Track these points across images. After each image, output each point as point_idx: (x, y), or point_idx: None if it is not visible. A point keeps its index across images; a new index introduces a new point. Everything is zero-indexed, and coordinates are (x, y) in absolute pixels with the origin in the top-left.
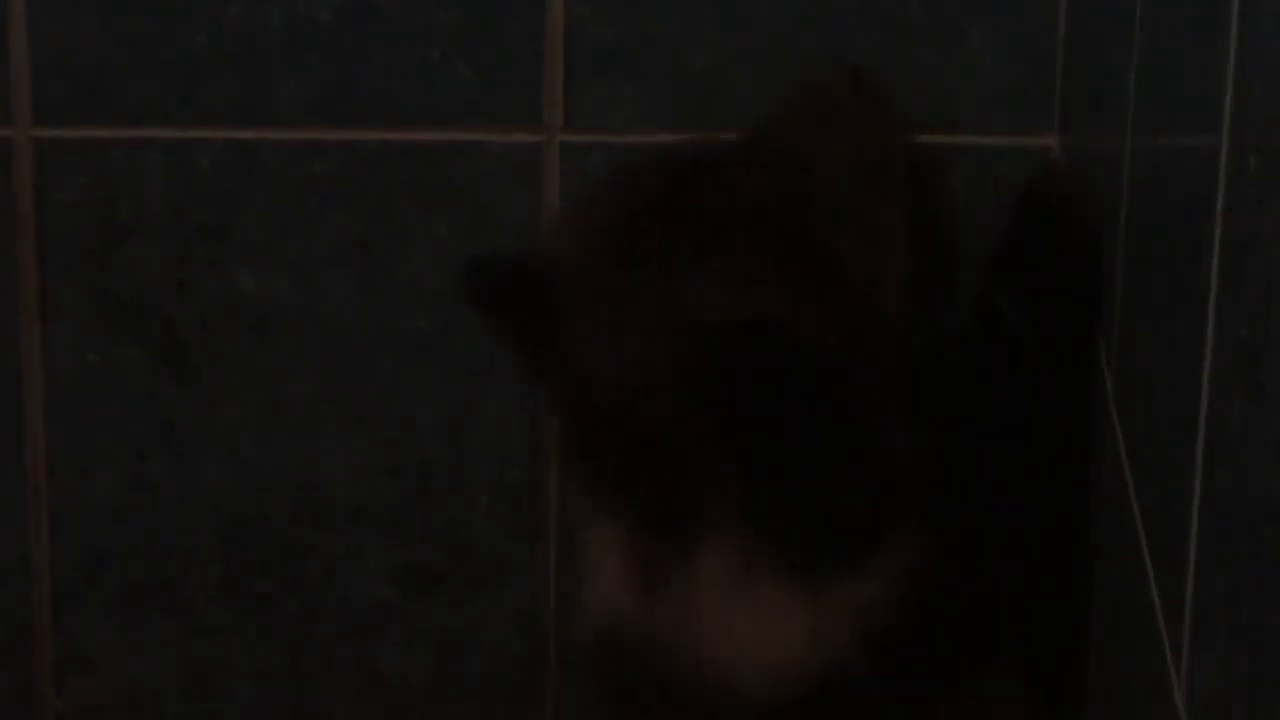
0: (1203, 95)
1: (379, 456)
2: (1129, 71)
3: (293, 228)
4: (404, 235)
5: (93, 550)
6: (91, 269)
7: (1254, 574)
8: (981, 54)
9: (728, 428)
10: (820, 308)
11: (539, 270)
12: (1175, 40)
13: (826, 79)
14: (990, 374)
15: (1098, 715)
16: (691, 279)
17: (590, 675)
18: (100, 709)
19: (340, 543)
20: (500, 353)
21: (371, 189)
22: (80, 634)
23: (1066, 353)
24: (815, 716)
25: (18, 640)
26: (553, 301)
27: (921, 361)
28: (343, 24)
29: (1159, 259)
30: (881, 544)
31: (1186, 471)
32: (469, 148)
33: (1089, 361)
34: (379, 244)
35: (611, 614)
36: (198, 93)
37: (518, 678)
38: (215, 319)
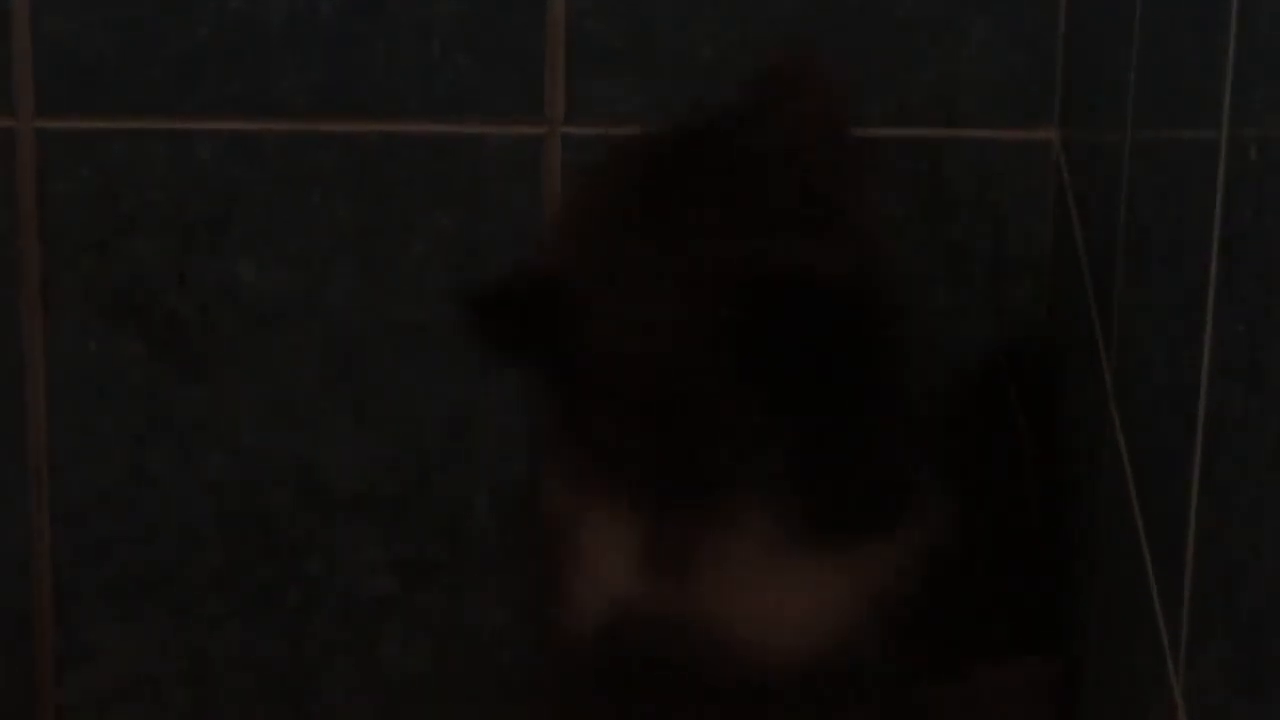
0: (1202, 89)
1: (379, 448)
2: (1129, 65)
3: (294, 219)
4: (405, 227)
5: (94, 541)
6: (93, 259)
7: (1252, 566)
8: (982, 48)
9: (763, 379)
10: (834, 252)
11: (540, 272)
12: (1175, 34)
13: (783, 59)
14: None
15: (1097, 707)
16: (708, 239)
17: (594, 673)
18: (101, 699)
19: (340, 534)
20: (509, 369)
21: (373, 181)
22: (81, 624)
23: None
24: (833, 687)
25: (19, 631)
26: (561, 297)
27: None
28: (344, 16)
29: (1158, 252)
30: (910, 505)
31: (1185, 465)
32: (471, 140)
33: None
34: (380, 236)
35: (619, 607)
36: (199, 84)
37: (516, 669)
38: (216, 310)
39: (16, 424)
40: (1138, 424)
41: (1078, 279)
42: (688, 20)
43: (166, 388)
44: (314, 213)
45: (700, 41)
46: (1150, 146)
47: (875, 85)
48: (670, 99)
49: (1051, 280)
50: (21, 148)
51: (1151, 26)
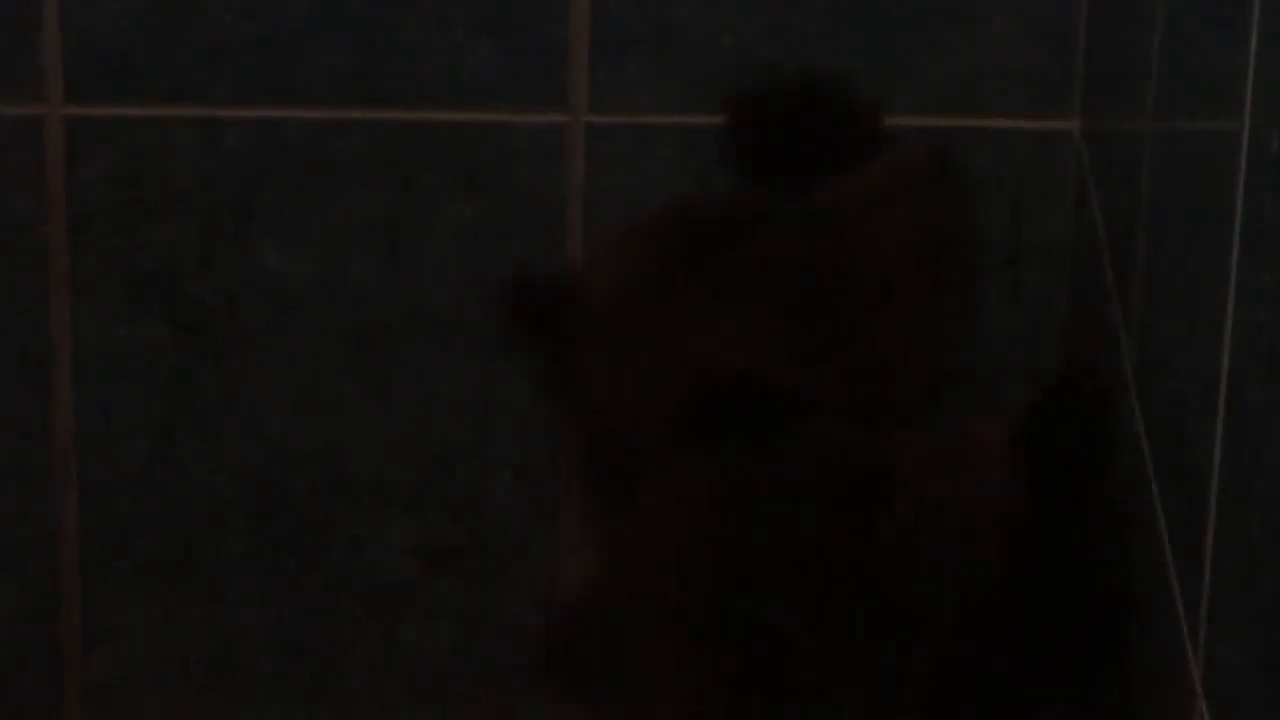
0: (1224, 78)
1: (401, 433)
2: (1151, 55)
3: (318, 206)
4: (429, 215)
5: (120, 522)
6: (120, 245)
7: (1271, 553)
8: (1004, 37)
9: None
10: (835, 378)
11: (570, 294)
12: (1197, 24)
13: (909, 153)
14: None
15: (1121, 714)
16: (703, 330)
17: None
18: (126, 678)
19: (363, 518)
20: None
21: (397, 169)
22: (107, 605)
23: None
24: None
25: (45, 611)
26: (574, 327)
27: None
28: (368, 4)
29: (1180, 241)
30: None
31: (1205, 452)
32: (495, 129)
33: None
34: (404, 223)
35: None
36: (225, 72)
37: (534, 652)
38: (241, 295)
39: (43, 406)
40: (1158, 413)
41: (1098, 268)
42: (710, 9)
43: (191, 372)
44: (337, 200)
45: (723, 30)
46: (1171, 136)
47: (896, 74)
48: (695, 88)
49: (1072, 269)
50: (50, 134)
51: (1173, 16)
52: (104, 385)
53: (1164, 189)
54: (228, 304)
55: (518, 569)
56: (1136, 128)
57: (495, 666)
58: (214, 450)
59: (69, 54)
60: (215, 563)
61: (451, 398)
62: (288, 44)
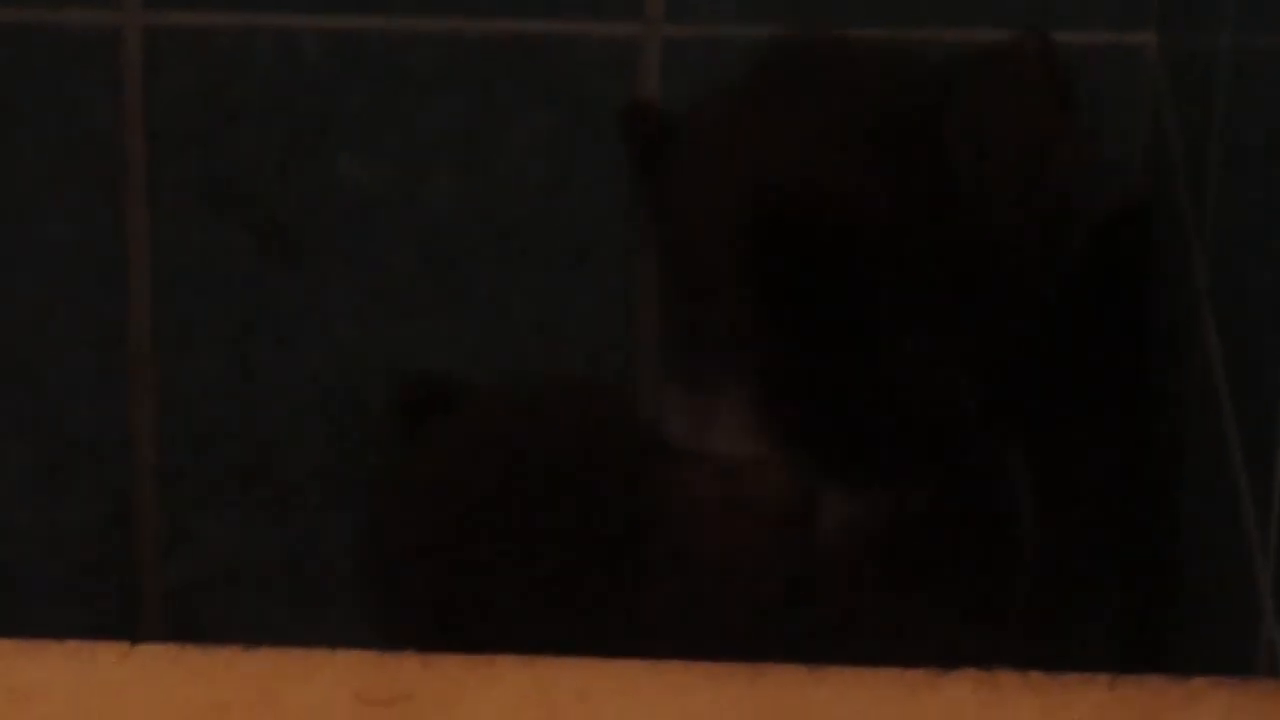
0: None
1: (474, 344)
2: None
3: (395, 116)
4: (504, 125)
5: (197, 429)
6: (198, 154)
7: None
8: None
9: (761, 292)
10: (910, 198)
11: (678, 121)
12: None
13: (1010, 42)
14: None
15: (1187, 610)
16: (780, 147)
17: None
18: (203, 584)
19: None
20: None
21: (473, 80)
22: (184, 511)
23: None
24: None
25: (123, 517)
26: (673, 146)
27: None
28: None
29: (1256, 159)
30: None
31: (1277, 360)
32: (570, 39)
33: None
34: (479, 134)
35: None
36: None
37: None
38: (317, 205)
39: (122, 314)
40: (1234, 334)
41: (1172, 187)
42: None
43: (268, 280)
44: (414, 110)
45: None
46: (1252, 49)
47: None
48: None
49: (1146, 188)
50: (129, 43)
51: None
52: (181, 293)
53: (1242, 105)
54: (305, 214)
55: None
56: (1215, 42)
57: None
58: (290, 359)
59: None
60: (291, 470)
61: (525, 309)
62: None
